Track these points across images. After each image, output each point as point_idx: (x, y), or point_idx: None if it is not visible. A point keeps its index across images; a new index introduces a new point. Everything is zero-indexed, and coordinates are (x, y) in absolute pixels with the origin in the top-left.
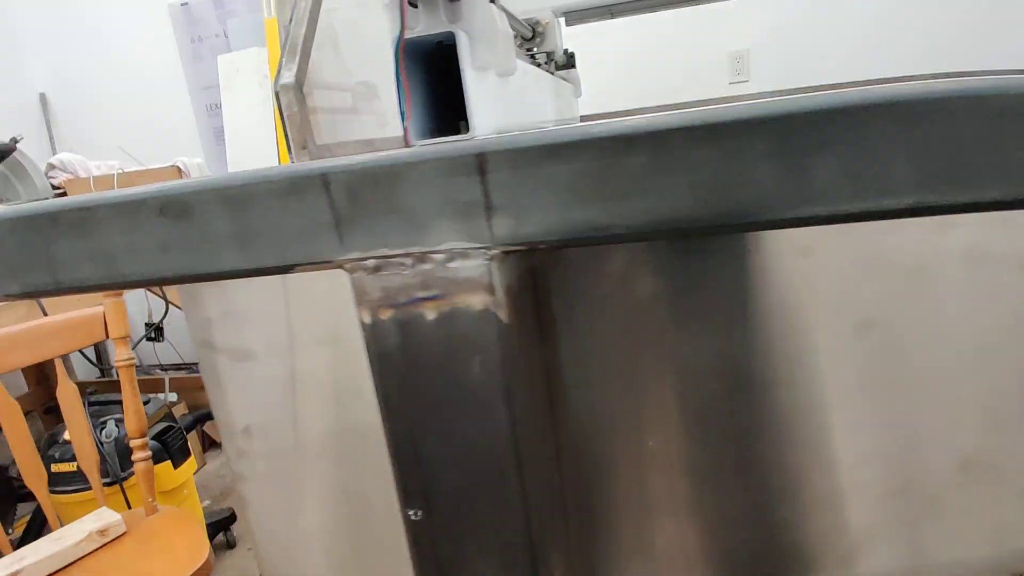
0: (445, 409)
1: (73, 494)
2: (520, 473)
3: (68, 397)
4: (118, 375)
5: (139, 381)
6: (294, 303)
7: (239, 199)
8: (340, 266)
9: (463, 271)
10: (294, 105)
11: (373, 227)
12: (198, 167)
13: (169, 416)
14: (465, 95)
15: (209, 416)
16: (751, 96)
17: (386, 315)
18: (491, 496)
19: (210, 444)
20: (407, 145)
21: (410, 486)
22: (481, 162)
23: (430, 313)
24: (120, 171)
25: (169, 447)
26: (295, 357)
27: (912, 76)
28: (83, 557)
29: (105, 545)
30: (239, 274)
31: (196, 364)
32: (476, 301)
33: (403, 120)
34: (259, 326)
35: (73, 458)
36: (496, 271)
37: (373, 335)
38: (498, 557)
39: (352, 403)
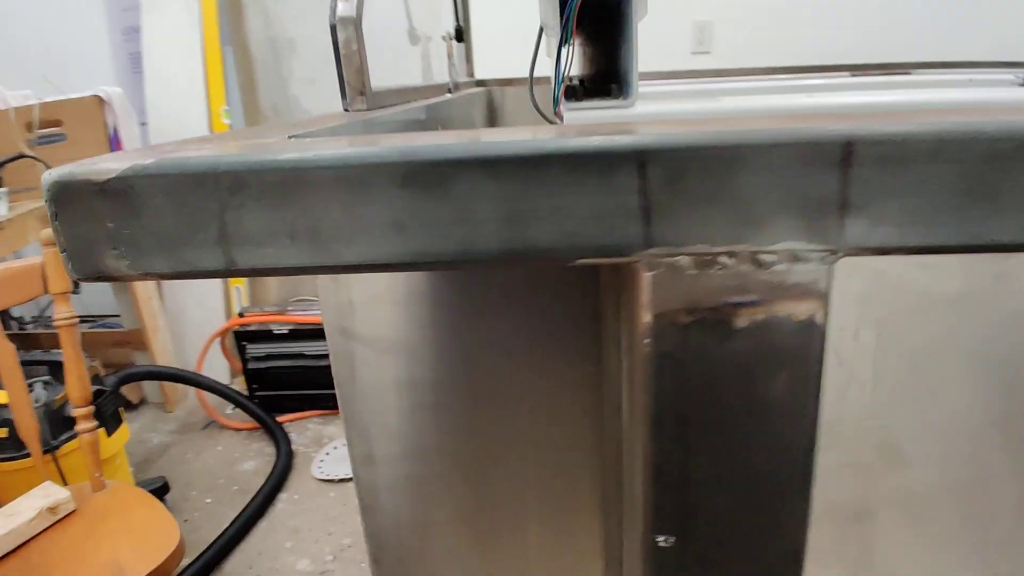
0: (733, 425)
1: (4, 463)
2: (806, 496)
3: (6, 358)
4: (24, 328)
5: (42, 336)
6: (458, 291)
7: (517, 173)
8: (635, 261)
9: (795, 275)
10: (352, 43)
11: (692, 219)
12: (119, 97)
13: (97, 379)
14: (631, 57)
15: (132, 377)
16: (714, 70)
17: (683, 319)
18: (767, 521)
19: (126, 406)
20: (557, 112)
21: (666, 509)
22: (847, 152)
23: (741, 320)
24: (39, 101)
25: (102, 413)
26: (449, 354)
27: (895, 64)
28: (34, 537)
29: (55, 524)
30: (498, 263)
31: (104, 317)
32: (802, 310)
33: (559, 83)
34: (413, 315)
35: (3, 423)
36: (833, 277)
37: (658, 340)
38: None
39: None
